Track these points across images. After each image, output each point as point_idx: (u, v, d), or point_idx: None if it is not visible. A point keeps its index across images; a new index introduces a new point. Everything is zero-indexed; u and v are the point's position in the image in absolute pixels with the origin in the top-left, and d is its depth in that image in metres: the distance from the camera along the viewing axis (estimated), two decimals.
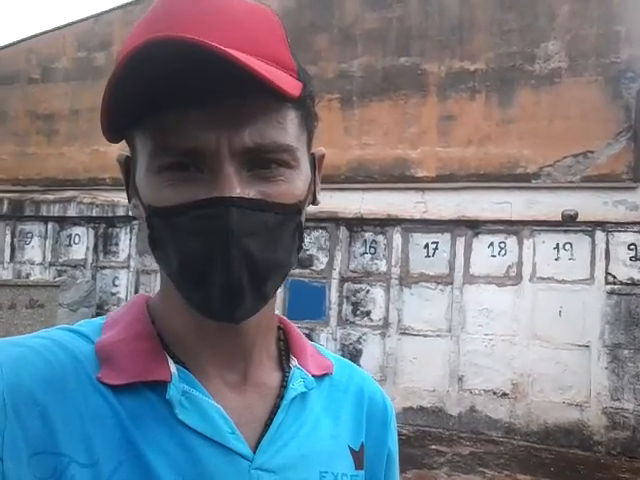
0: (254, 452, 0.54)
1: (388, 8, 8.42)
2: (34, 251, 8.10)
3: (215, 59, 0.45)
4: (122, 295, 7.61)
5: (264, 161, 0.51)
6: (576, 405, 6.03)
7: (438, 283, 6.60)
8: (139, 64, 0.46)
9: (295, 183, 0.54)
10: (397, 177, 8.11)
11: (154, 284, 7.52)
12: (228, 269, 0.48)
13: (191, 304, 0.53)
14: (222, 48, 0.45)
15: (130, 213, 0.60)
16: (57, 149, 8.22)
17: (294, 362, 0.62)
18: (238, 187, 0.49)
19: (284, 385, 0.60)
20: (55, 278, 7.30)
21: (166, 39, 0.45)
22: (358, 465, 0.63)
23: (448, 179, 7.63)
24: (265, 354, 0.62)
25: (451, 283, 6.54)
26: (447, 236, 6.67)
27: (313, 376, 0.63)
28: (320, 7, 9.29)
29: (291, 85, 0.51)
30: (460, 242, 6.60)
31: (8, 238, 8.21)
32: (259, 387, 0.59)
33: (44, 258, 8.01)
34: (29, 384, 0.48)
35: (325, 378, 0.66)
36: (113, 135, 0.52)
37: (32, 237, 8.12)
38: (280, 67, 0.52)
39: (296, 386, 0.60)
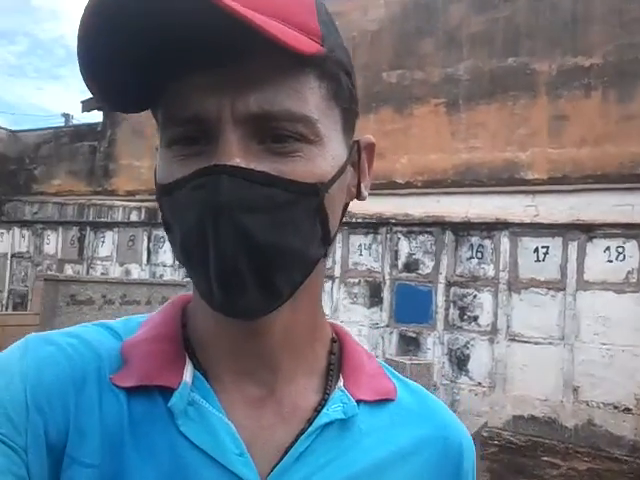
0: None
1: (495, 9, 8.07)
2: (166, 255, 8.81)
3: (206, 9, 0.38)
4: None
5: (277, 132, 0.44)
6: None
7: (549, 289, 6.22)
8: (111, 19, 0.39)
9: (315, 161, 0.45)
10: (506, 180, 7.75)
11: None
12: (218, 249, 0.41)
13: (200, 294, 0.46)
14: None
15: None
16: None
17: (340, 383, 0.52)
18: (238, 156, 0.42)
19: (319, 409, 0.50)
20: (183, 279, 7.87)
21: None
22: None
23: (560, 181, 7.16)
24: (301, 369, 0.52)
25: (563, 289, 6.12)
26: (558, 240, 6.27)
27: (363, 402, 0.52)
28: (425, 12, 9.13)
29: (303, 43, 0.43)
30: (573, 246, 6.17)
31: (145, 243, 8.99)
32: (287, 407, 0.50)
33: (174, 261, 8.69)
34: (51, 383, 0.46)
35: (385, 405, 0.54)
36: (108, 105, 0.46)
37: (164, 242, 8.83)
38: (297, 29, 0.43)
39: (330, 411, 0.49)
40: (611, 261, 5.97)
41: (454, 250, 6.85)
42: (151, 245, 9.01)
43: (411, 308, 6.83)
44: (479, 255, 6.70)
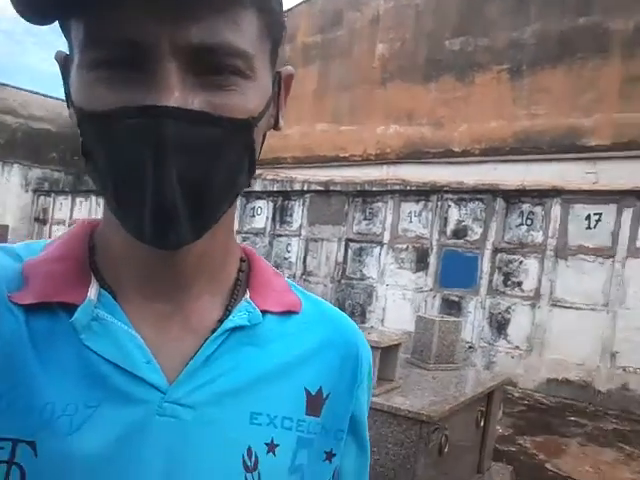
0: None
1: None
2: None
3: None
4: (293, 260, 8.60)
5: (214, 66, 0.44)
6: None
7: (597, 256, 6.23)
8: None
9: (249, 96, 0.47)
10: (567, 147, 7.70)
11: (321, 251, 8.35)
12: (160, 190, 0.43)
13: (123, 226, 0.47)
14: None
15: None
16: None
17: (246, 295, 0.56)
18: (178, 91, 0.42)
19: (223, 319, 0.54)
20: (240, 243, 8.58)
21: None
22: (311, 410, 0.56)
23: (625, 147, 7.05)
24: (210, 286, 0.55)
25: (613, 256, 6.12)
26: (612, 207, 6.24)
27: (269, 312, 0.57)
28: None
29: None
30: (627, 213, 6.13)
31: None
32: (194, 320, 0.53)
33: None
34: None
35: (291, 316, 0.59)
36: (30, 13, 0.43)
37: None
38: None
39: (236, 318, 0.54)
40: None
41: (504, 217, 6.99)
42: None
43: (456, 273, 7.07)
44: (529, 222, 6.79)
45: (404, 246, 7.64)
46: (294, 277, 8.39)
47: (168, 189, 0.43)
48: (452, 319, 4.27)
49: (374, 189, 8.36)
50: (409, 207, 7.80)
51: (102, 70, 0.43)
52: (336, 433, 0.58)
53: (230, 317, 0.53)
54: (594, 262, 6.25)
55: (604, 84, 7.69)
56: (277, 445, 0.52)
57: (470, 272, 7.02)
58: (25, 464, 0.44)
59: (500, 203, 7.05)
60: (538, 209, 6.78)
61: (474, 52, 9.10)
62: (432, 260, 7.34)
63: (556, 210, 6.61)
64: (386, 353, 3.77)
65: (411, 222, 7.72)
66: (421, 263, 7.44)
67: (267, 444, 0.52)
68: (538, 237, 6.68)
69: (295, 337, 0.57)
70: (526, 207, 6.87)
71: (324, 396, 0.57)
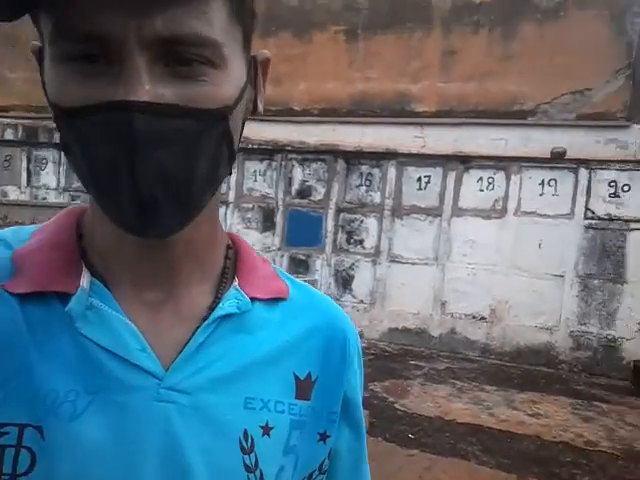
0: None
1: None
2: (49, 177, 8.59)
3: None
4: None
5: (183, 56, 0.44)
6: (546, 329, 6.56)
7: (428, 215, 7.00)
8: None
9: (221, 85, 0.46)
10: (398, 112, 8.31)
11: None
12: (135, 183, 0.43)
13: (108, 217, 0.48)
14: None
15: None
16: None
17: (235, 283, 0.57)
18: (148, 84, 0.42)
19: (214, 306, 0.55)
20: (70, 202, 7.80)
21: None
22: (301, 394, 0.58)
23: (447, 115, 7.83)
24: (198, 274, 0.56)
25: (440, 215, 6.93)
26: (439, 170, 6.99)
27: (258, 299, 0.58)
28: None
29: None
30: (451, 176, 6.93)
31: (24, 164, 8.66)
32: (184, 308, 0.54)
33: (58, 184, 8.52)
34: None
35: (278, 303, 0.60)
36: None
37: (47, 163, 8.59)
38: None
39: (226, 306, 0.55)
40: (482, 190, 6.81)
41: (345, 178, 7.38)
42: (31, 166, 8.71)
43: (302, 233, 7.36)
44: (367, 183, 7.29)
45: (250, 205, 7.69)
46: None
47: (144, 183, 0.43)
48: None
49: None
50: (253, 166, 7.81)
51: (72, 64, 0.43)
52: (328, 415, 0.60)
53: (220, 305, 0.54)
54: (425, 221, 7.00)
55: (428, 54, 8.37)
56: (272, 428, 0.54)
57: (315, 231, 7.36)
58: (35, 447, 0.46)
59: (341, 164, 7.43)
60: (376, 171, 7.30)
61: (312, 10, 9.19)
62: (278, 220, 7.52)
63: (391, 172, 7.19)
64: None
65: (256, 181, 7.77)
66: (267, 223, 7.57)
67: (262, 427, 0.54)
68: (376, 197, 7.23)
69: (283, 324, 0.59)
70: (365, 168, 7.35)
71: (313, 380, 0.59)
